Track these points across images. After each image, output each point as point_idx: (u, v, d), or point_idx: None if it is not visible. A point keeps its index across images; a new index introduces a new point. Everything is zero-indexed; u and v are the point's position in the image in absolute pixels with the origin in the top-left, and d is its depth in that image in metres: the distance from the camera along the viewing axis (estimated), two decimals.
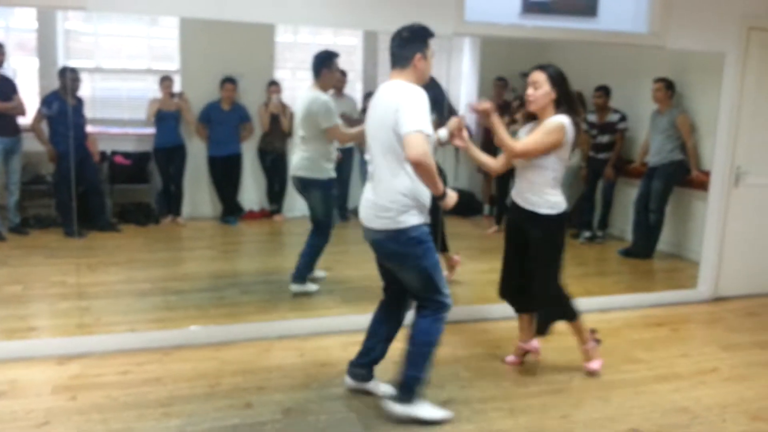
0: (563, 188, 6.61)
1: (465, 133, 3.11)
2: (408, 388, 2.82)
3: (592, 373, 3.40)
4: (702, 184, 4.87)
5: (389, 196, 2.72)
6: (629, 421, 2.93)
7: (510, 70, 7.00)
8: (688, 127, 5.28)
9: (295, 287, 4.35)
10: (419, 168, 2.59)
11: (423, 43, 2.76)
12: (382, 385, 3.04)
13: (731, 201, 4.68)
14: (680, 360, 3.66)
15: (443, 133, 3.15)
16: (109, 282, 4.57)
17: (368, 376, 3.07)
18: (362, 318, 3.89)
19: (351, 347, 3.55)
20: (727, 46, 4.43)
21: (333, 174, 4.33)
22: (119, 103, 6.65)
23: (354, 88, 7.10)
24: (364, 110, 6.67)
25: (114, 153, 6.29)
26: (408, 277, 2.84)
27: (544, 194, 3.24)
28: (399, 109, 2.60)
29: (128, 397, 2.97)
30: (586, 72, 6.56)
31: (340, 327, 3.83)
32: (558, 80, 3.23)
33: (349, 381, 3.09)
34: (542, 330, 3.39)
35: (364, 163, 6.97)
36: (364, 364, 3.06)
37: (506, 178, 6.33)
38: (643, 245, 5.60)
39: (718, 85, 4.55)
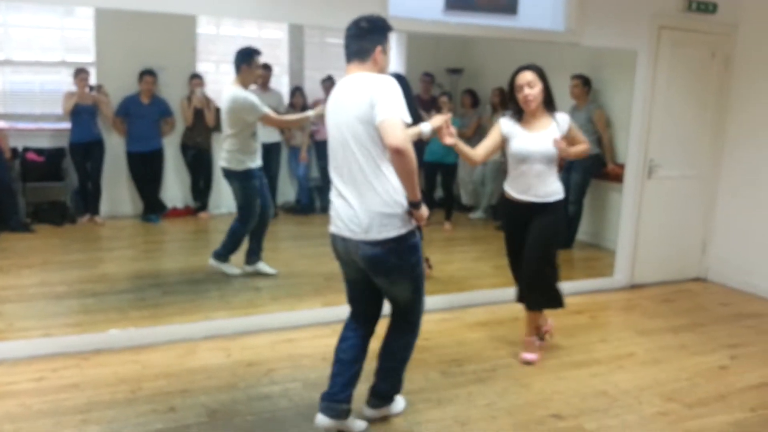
0: (488, 182, 6.77)
1: (453, 129, 3.08)
2: (390, 398, 2.86)
3: (527, 362, 3.51)
4: (617, 177, 5.07)
5: (387, 200, 2.46)
6: (550, 406, 3.02)
7: (436, 65, 7.08)
8: (603, 122, 5.49)
9: (212, 261, 4.54)
10: (401, 157, 2.35)
11: (383, 35, 2.57)
12: (358, 422, 2.77)
13: (645, 193, 4.90)
14: (599, 345, 3.80)
15: (427, 127, 3.02)
16: (23, 285, 4.35)
17: (349, 412, 2.71)
18: (290, 315, 3.90)
19: (279, 345, 3.54)
20: (639, 43, 4.63)
21: (251, 165, 4.41)
22: (32, 97, 6.32)
23: (280, 82, 7.01)
24: (291, 105, 6.60)
25: (26, 149, 5.99)
26: (400, 290, 2.64)
27: (554, 183, 3.43)
28: (374, 101, 2.38)
29: (44, 404, 2.85)
30: (508, 68, 6.71)
31: (268, 325, 3.79)
32: (545, 77, 3.47)
33: (324, 420, 2.65)
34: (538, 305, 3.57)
35: (293, 159, 6.90)
36: (346, 399, 2.68)
37: (434, 173, 6.45)
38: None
39: (631, 82, 4.75)
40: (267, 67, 6.49)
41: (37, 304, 4.04)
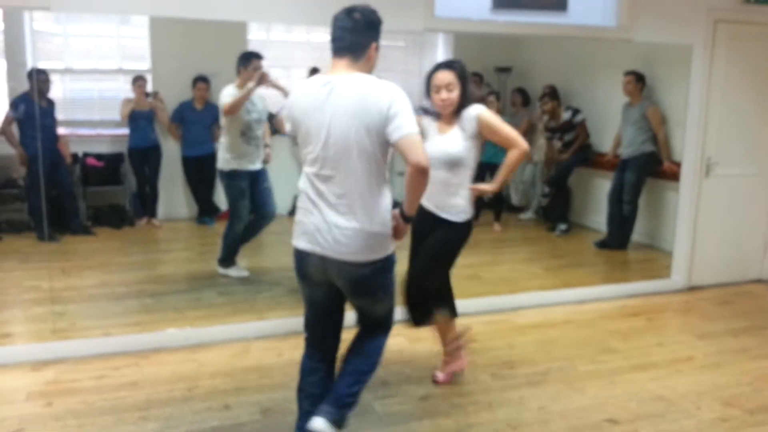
0: (538, 182, 6.70)
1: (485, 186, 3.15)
2: (352, 407, 2.44)
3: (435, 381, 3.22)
4: (674, 175, 4.94)
5: (384, 220, 2.27)
6: (605, 411, 2.97)
7: (484, 64, 7.03)
8: (658, 118, 5.35)
9: (218, 269, 4.68)
10: (422, 176, 2.17)
11: (378, 31, 2.34)
12: None
13: (702, 191, 4.76)
14: (655, 349, 3.71)
15: None
16: (84, 286, 4.51)
17: None
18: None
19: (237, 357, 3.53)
20: (695, 38, 4.49)
21: (238, 167, 4.50)
22: (91, 104, 6.56)
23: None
24: None
25: (86, 155, 6.21)
26: (381, 307, 2.44)
27: (458, 197, 3.06)
28: (391, 113, 2.16)
29: (105, 402, 2.94)
30: (558, 66, 6.63)
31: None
32: (466, 78, 3.03)
33: None
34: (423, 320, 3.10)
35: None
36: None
37: (483, 173, 6.40)
38: (618, 236, 5.67)
39: (687, 77, 4.61)
40: (315, 70, 6.58)
41: (98, 304, 4.19)
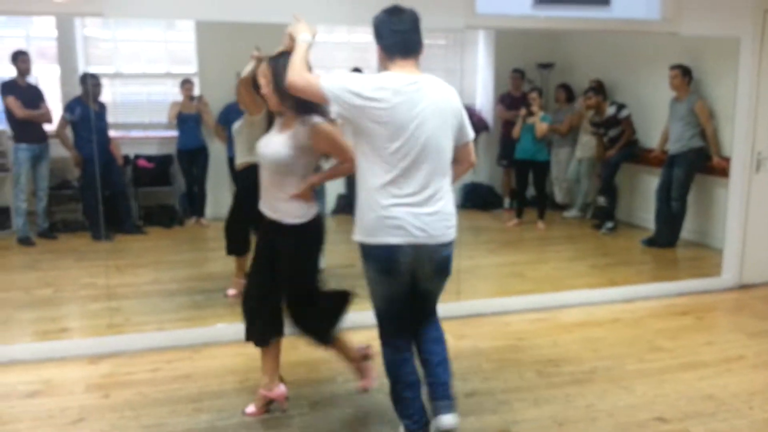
0: (583, 179, 6.62)
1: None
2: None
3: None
4: (723, 171, 4.83)
5: (452, 203, 2.48)
6: (654, 409, 2.93)
7: (526, 60, 6.98)
8: (706, 113, 5.25)
9: None
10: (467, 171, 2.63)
11: None
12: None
13: (753, 187, 4.64)
14: (705, 348, 3.64)
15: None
16: (138, 283, 4.67)
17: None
18: None
19: (377, 342, 3.58)
20: (742, 30, 4.38)
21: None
22: (140, 107, 6.76)
23: None
24: None
25: (137, 156, 6.41)
26: (442, 287, 2.61)
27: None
28: (463, 117, 2.45)
29: (159, 393, 3.04)
30: (602, 61, 6.55)
31: (364, 323, 3.85)
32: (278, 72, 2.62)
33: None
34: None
35: None
36: (426, 416, 2.57)
37: (525, 171, 6.37)
38: (666, 234, 5.58)
39: (734, 71, 4.51)
40: (357, 71, 6.64)
41: (151, 300, 4.32)
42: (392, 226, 2.35)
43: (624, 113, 6.00)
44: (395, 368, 2.55)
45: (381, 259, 2.40)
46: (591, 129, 6.29)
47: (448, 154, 2.42)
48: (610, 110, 6.03)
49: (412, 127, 2.30)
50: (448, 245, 2.45)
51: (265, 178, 2.68)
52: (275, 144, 2.63)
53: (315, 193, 2.74)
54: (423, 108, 2.32)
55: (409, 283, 2.48)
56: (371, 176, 2.37)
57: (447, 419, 2.47)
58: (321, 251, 2.79)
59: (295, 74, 2.37)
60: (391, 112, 2.29)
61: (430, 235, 2.37)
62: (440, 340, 2.62)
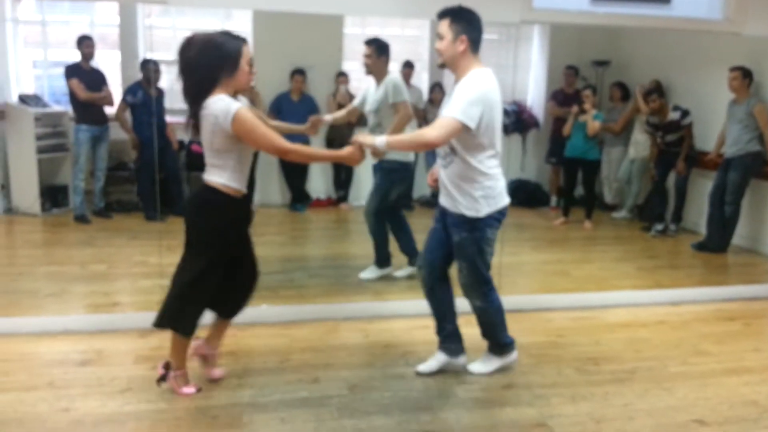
0: (635, 180, 6.50)
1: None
2: None
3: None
4: None
5: None
6: (694, 412, 2.89)
7: (581, 57, 6.89)
8: (765, 116, 5.11)
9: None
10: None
11: None
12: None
13: None
14: (751, 354, 3.56)
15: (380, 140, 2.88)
16: None
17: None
18: (426, 303, 3.99)
19: (415, 331, 3.65)
20: None
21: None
22: None
23: (420, 79, 7.17)
24: (430, 101, 6.72)
25: (191, 142, 6.57)
26: None
27: None
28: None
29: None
30: (660, 60, 6.41)
31: (404, 311, 3.90)
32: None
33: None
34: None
35: (430, 152, 7.08)
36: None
37: (574, 169, 6.30)
38: (718, 239, 5.45)
39: None
40: (409, 65, 6.67)
41: None
42: (503, 188, 2.96)
43: (688, 120, 5.84)
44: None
45: (503, 215, 2.96)
46: (647, 129, 6.16)
47: None
48: (674, 115, 5.86)
49: (497, 118, 2.87)
50: None
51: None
52: None
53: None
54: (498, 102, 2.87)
55: None
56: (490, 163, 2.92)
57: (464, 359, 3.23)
58: None
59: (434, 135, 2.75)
60: (494, 109, 2.83)
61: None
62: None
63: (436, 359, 3.16)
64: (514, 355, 3.23)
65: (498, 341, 3.18)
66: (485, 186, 2.87)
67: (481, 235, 2.91)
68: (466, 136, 2.78)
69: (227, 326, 3.06)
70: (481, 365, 3.20)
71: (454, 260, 3.05)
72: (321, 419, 2.70)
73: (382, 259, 4.51)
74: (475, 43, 2.78)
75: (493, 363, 3.20)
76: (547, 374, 3.21)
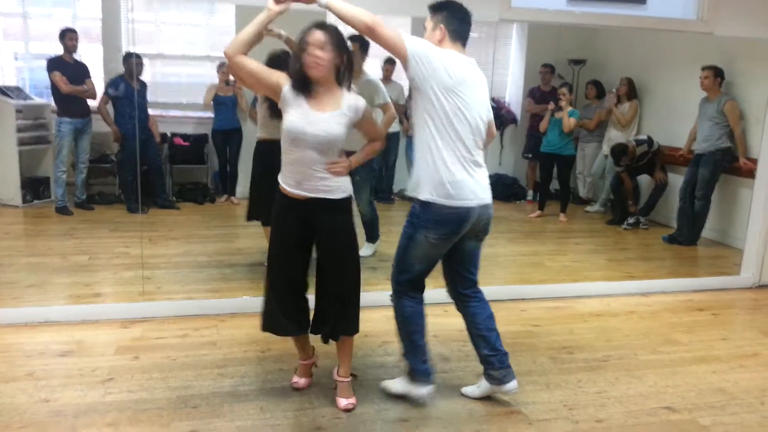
0: (608, 175, 6.62)
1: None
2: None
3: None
4: (749, 172, 4.83)
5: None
6: (664, 399, 2.97)
7: (557, 56, 7.00)
8: (736, 114, 5.23)
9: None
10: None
11: None
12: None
13: None
14: (719, 343, 3.66)
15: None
16: (169, 254, 4.84)
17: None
18: None
19: (393, 321, 3.69)
20: None
21: None
22: (179, 87, 6.94)
23: (401, 76, 7.20)
24: (410, 97, 6.78)
25: (174, 135, 6.60)
26: (481, 245, 2.85)
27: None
28: (487, 92, 2.73)
29: (186, 358, 3.17)
30: (634, 59, 6.54)
31: (382, 301, 3.94)
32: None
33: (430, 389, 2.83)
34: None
35: (410, 147, 7.16)
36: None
37: (550, 164, 6.42)
38: (688, 232, 5.59)
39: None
40: (391, 61, 6.73)
41: (182, 271, 4.49)
42: (466, 190, 2.61)
43: (655, 145, 6.05)
44: (414, 318, 2.80)
45: (452, 222, 2.62)
46: (617, 169, 6.31)
47: (485, 127, 2.69)
48: (641, 149, 6.07)
49: (476, 105, 2.61)
50: (491, 205, 2.74)
51: (301, 157, 2.53)
52: (326, 123, 2.52)
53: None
54: (478, 87, 2.64)
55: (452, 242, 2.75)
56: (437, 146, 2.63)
57: (512, 385, 2.83)
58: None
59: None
60: (458, 86, 2.54)
61: (488, 196, 2.69)
62: (491, 315, 2.91)
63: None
64: (422, 390, 2.80)
65: (408, 362, 2.84)
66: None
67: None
68: (421, 94, 2.56)
69: None
70: (390, 381, 2.94)
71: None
72: (301, 408, 2.74)
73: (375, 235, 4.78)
74: (454, 33, 2.63)
75: (399, 385, 2.88)
76: (523, 362, 3.27)
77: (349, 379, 2.84)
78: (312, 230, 2.65)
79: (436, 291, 3.17)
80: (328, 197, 2.59)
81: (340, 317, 2.73)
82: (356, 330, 2.79)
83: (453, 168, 2.55)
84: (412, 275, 2.75)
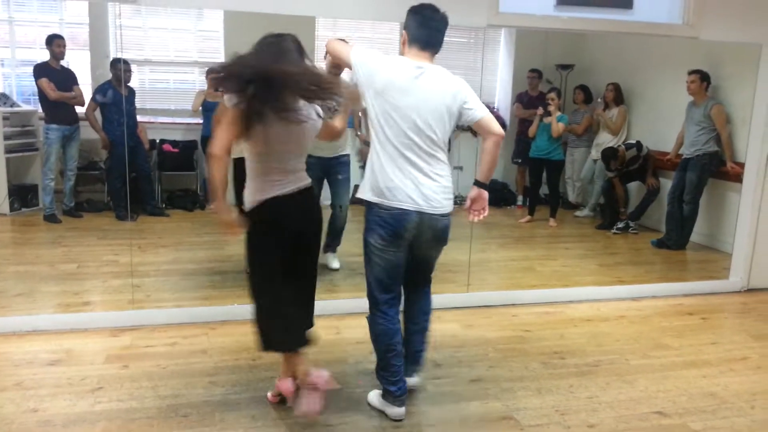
0: (597, 180, 6.65)
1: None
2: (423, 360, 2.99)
3: None
4: (736, 176, 4.87)
5: (449, 178, 2.69)
6: (655, 403, 2.98)
7: (545, 61, 7.04)
8: (723, 118, 5.28)
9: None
10: (499, 144, 2.66)
11: None
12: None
13: (765, 193, 4.66)
14: (709, 347, 3.68)
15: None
16: (158, 262, 4.81)
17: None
18: None
19: None
20: (764, 36, 4.40)
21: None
22: (167, 94, 6.91)
23: None
24: None
25: (162, 141, 6.56)
26: (438, 257, 2.85)
27: None
28: (466, 98, 2.61)
29: (176, 366, 3.15)
30: (621, 63, 6.58)
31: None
32: None
33: (401, 410, 2.78)
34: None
35: None
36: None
37: (539, 169, 6.44)
38: (676, 236, 5.62)
39: (754, 77, 4.53)
40: None
41: (171, 279, 4.46)
42: (397, 192, 2.62)
43: (645, 150, 6.09)
44: (386, 337, 2.74)
45: (391, 224, 2.62)
46: (608, 173, 6.33)
47: (440, 132, 2.61)
48: (630, 153, 6.10)
49: (407, 107, 2.55)
50: (447, 216, 2.70)
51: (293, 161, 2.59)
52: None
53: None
54: (425, 92, 2.57)
55: (405, 252, 2.71)
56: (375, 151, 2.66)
57: (412, 381, 2.92)
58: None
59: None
60: (388, 91, 2.56)
61: (430, 204, 2.62)
62: (427, 310, 2.94)
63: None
64: (394, 411, 2.75)
65: (379, 377, 2.83)
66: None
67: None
68: (365, 99, 2.64)
69: None
70: (373, 393, 2.91)
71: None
72: (293, 416, 2.71)
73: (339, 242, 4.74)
74: (412, 37, 2.65)
75: (377, 400, 2.86)
76: (514, 368, 3.28)
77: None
78: None
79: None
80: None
81: None
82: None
83: (389, 170, 2.59)
84: (376, 287, 2.74)
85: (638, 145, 6.09)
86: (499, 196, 7.23)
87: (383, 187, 2.59)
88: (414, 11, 2.66)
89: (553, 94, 6.29)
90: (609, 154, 6.18)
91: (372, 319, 2.78)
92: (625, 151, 6.11)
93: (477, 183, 2.75)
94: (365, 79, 2.59)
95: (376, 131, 2.61)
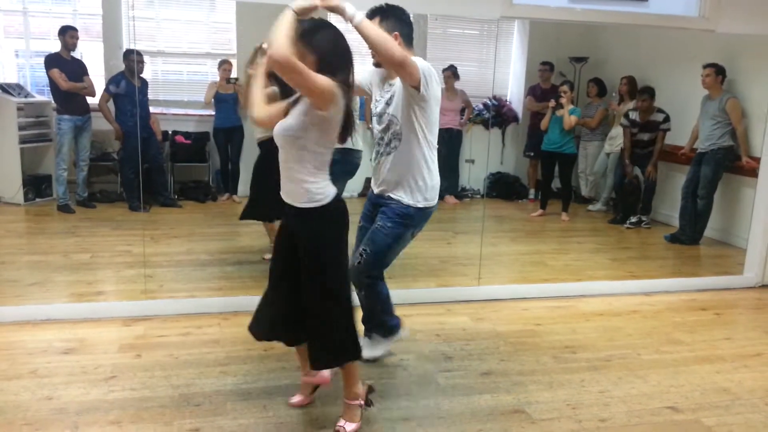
0: (610, 174, 6.61)
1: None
2: None
3: None
4: (752, 171, 4.82)
5: None
6: (667, 398, 2.96)
7: (559, 54, 6.99)
8: (738, 112, 5.22)
9: None
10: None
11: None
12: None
13: None
14: (723, 343, 3.65)
15: None
16: (171, 253, 4.84)
17: None
18: (407, 293, 4.04)
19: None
20: None
21: None
22: (180, 85, 6.94)
23: None
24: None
25: (175, 133, 6.59)
26: None
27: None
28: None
29: (189, 356, 3.16)
30: (636, 56, 6.53)
31: None
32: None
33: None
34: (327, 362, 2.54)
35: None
36: None
37: (552, 163, 6.41)
38: (690, 231, 5.58)
39: None
40: (379, 65, 6.71)
41: (184, 269, 4.49)
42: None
43: (667, 125, 5.96)
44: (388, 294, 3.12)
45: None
46: (624, 123, 6.24)
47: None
48: (657, 116, 5.98)
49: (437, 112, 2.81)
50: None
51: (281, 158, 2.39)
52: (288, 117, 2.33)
53: (333, 174, 2.44)
54: None
55: None
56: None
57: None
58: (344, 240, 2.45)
59: (406, 57, 2.53)
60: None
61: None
62: None
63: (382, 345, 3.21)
64: (406, 332, 3.24)
65: (384, 325, 3.14)
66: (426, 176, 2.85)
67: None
68: (423, 107, 2.69)
69: None
70: (368, 350, 3.05)
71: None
72: (304, 407, 2.73)
73: None
74: (407, 38, 2.70)
75: (379, 348, 3.19)
76: (525, 362, 3.27)
77: (354, 402, 2.58)
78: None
79: (439, 290, 3.18)
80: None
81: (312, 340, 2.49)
82: (322, 364, 2.49)
83: (435, 172, 2.92)
84: (386, 264, 3.03)
85: (666, 116, 5.98)
86: (511, 189, 7.21)
87: (433, 186, 2.88)
88: (398, 12, 2.73)
89: (565, 87, 6.25)
90: (647, 91, 6.05)
91: (379, 287, 3.05)
92: (656, 112, 6.01)
93: None
94: (433, 89, 2.69)
95: (427, 138, 2.80)
